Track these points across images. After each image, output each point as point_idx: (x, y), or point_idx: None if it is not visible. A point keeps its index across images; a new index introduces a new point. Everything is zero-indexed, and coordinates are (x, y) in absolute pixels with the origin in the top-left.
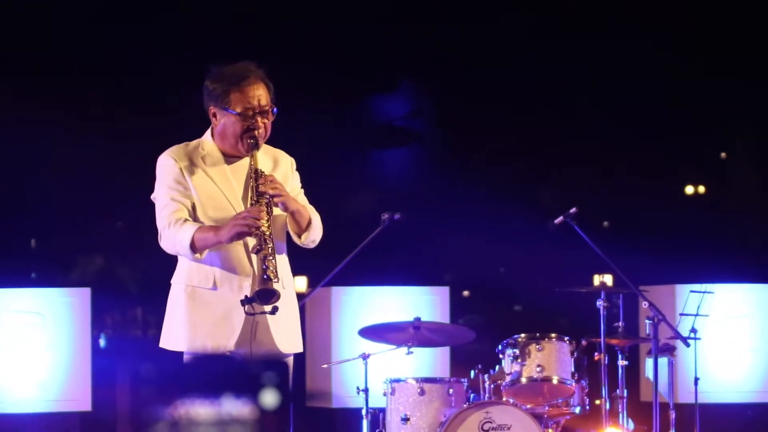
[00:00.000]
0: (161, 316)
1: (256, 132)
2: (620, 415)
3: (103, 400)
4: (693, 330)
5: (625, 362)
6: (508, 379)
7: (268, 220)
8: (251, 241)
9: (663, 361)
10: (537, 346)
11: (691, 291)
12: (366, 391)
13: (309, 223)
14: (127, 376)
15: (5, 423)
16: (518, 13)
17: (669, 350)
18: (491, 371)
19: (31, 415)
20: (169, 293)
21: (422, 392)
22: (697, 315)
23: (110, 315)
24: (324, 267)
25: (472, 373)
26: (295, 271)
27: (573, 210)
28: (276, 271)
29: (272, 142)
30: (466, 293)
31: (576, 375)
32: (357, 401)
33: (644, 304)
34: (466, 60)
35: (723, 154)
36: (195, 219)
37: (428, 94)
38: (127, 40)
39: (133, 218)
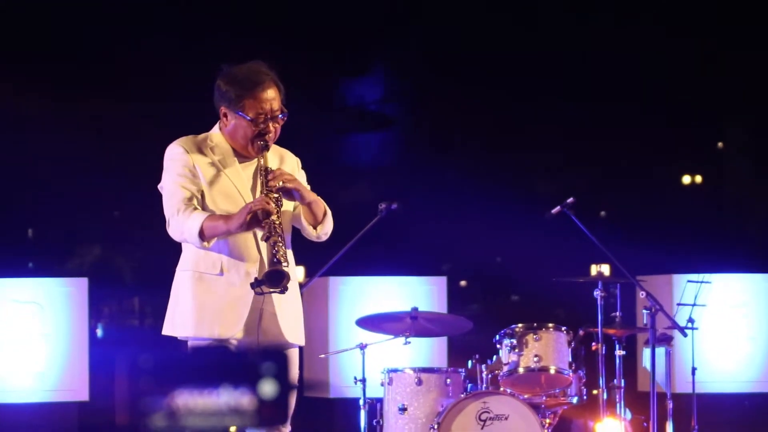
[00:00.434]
0: (158, 306)
1: (266, 136)
2: (617, 405)
3: (101, 390)
4: (690, 320)
5: (623, 352)
6: (505, 369)
7: (277, 211)
8: (260, 231)
9: (660, 351)
10: (534, 336)
11: (689, 281)
12: (363, 381)
13: (325, 213)
14: (124, 365)
15: (3, 412)
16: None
17: (666, 340)
18: (489, 361)
19: (29, 404)
20: (174, 281)
21: (419, 382)
22: (694, 305)
23: (108, 305)
24: (321, 257)
25: (470, 363)
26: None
27: (570, 200)
28: (286, 256)
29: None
30: (463, 283)
31: (573, 365)
32: (354, 391)
33: (641, 294)
34: (465, 47)
35: (720, 144)
36: (204, 208)
37: (424, 83)
38: (125, 33)
39: (130, 209)
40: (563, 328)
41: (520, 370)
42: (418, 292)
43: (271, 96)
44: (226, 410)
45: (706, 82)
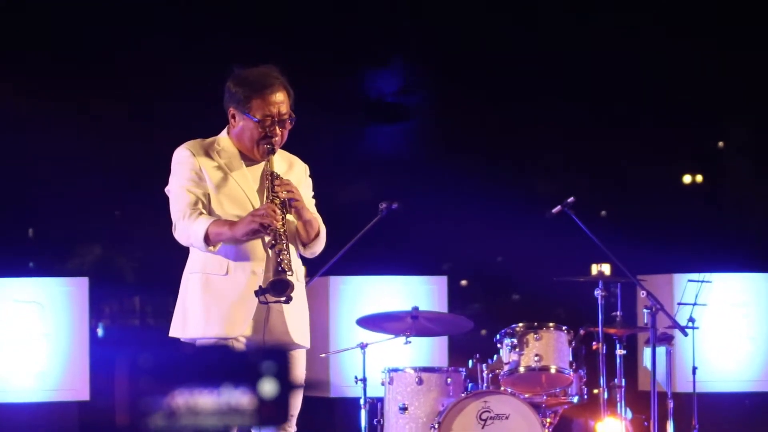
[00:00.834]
0: (160, 306)
1: (273, 140)
2: (618, 404)
3: (102, 390)
4: (691, 319)
5: (623, 351)
6: (506, 368)
7: (282, 218)
8: (266, 237)
9: (661, 350)
10: (535, 336)
11: (689, 280)
12: (364, 380)
13: (317, 235)
14: (125, 365)
15: (4, 412)
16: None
17: (667, 339)
18: (489, 361)
19: (30, 404)
20: (182, 283)
21: (420, 382)
22: (695, 304)
23: (108, 305)
24: (322, 256)
25: (470, 362)
26: None
27: (571, 199)
28: (290, 265)
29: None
30: (463, 282)
31: (574, 364)
32: (355, 391)
33: (642, 294)
34: (464, 46)
35: (720, 143)
36: (210, 212)
37: (425, 81)
38: (126, 33)
39: (131, 209)
40: (564, 328)
41: (521, 369)
42: (419, 292)
43: (280, 99)
44: (226, 410)
45: (706, 81)
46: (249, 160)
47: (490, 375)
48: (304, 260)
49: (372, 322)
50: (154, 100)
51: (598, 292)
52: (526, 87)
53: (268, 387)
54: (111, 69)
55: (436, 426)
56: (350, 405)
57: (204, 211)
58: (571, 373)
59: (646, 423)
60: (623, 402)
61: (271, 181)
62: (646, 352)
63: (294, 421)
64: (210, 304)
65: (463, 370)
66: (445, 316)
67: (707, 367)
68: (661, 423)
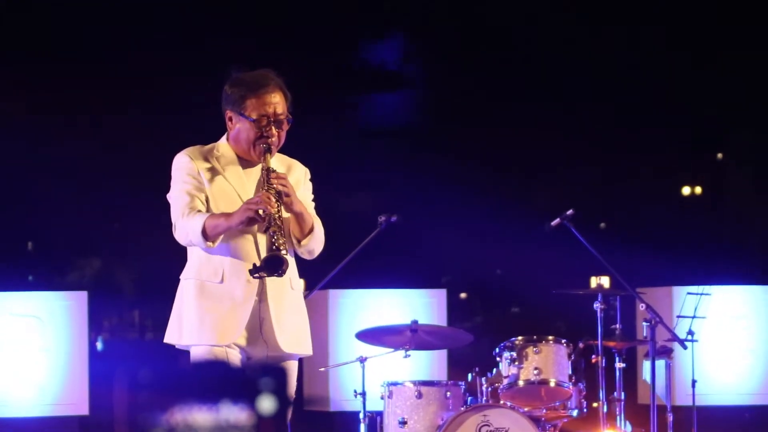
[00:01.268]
0: (159, 319)
1: (269, 140)
2: (618, 417)
3: (101, 404)
4: (690, 332)
5: (623, 365)
6: (505, 381)
7: (278, 206)
8: (262, 236)
9: (660, 363)
10: (534, 349)
11: (688, 293)
12: (363, 394)
13: (311, 230)
14: (124, 379)
15: (3, 427)
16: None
17: (666, 352)
18: (488, 374)
19: (29, 419)
20: (178, 289)
21: (420, 395)
22: (694, 317)
23: (107, 318)
24: (321, 270)
25: (470, 376)
26: None
27: (570, 212)
28: (285, 245)
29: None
30: (463, 296)
31: (573, 378)
32: (354, 405)
33: (641, 306)
34: (467, 65)
35: (719, 156)
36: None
37: (425, 96)
38: (128, 46)
39: (130, 222)
40: (563, 341)
41: (520, 382)
42: (418, 305)
43: (275, 100)
44: (223, 425)
45: (706, 93)
46: (247, 164)
47: (490, 388)
48: (304, 273)
49: (371, 336)
50: (155, 113)
51: (597, 305)
52: (526, 100)
53: (263, 404)
54: (112, 84)
55: None
56: (350, 419)
57: (202, 210)
58: (571, 386)
59: None
60: (623, 415)
61: (266, 174)
62: (646, 365)
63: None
64: (204, 311)
65: (463, 383)
66: (444, 330)
67: (707, 380)
68: None
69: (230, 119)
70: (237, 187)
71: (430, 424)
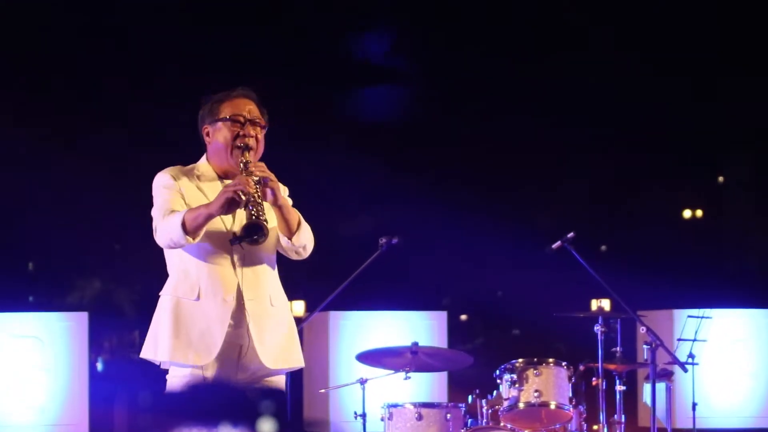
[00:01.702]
0: None
1: (246, 139)
2: None
3: (101, 425)
4: (691, 355)
5: (623, 387)
6: (505, 404)
7: (257, 189)
8: (239, 260)
9: (661, 386)
10: (535, 371)
11: (689, 316)
12: (363, 416)
13: (299, 223)
14: (124, 400)
15: None
16: (513, 30)
17: (667, 375)
18: (489, 396)
19: None
20: (157, 304)
21: (420, 417)
22: (695, 340)
23: (108, 339)
24: (322, 291)
25: (470, 398)
26: (293, 296)
27: (570, 235)
28: (264, 216)
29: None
30: (463, 318)
31: (574, 400)
32: (355, 426)
33: (642, 329)
34: (461, 82)
35: (720, 178)
36: None
37: (430, 116)
38: (126, 67)
39: (130, 243)
40: (564, 363)
41: (521, 405)
42: (419, 327)
43: (249, 106)
44: None
45: (706, 116)
46: (228, 178)
47: (490, 411)
48: (304, 294)
49: (372, 358)
50: (155, 134)
51: (597, 328)
52: (526, 124)
53: (263, 428)
54: (111, 104)
55: None
56: None
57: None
58: (571, 408)
59: None
60: None
61: (245, 166)
62: (646, 388)
63: None
64: (180, 329)
65: (463, 405)
66: (444, 352)
67: (707, 403)
68: None
69: (207, 134)
70: (212, 198)
71: None
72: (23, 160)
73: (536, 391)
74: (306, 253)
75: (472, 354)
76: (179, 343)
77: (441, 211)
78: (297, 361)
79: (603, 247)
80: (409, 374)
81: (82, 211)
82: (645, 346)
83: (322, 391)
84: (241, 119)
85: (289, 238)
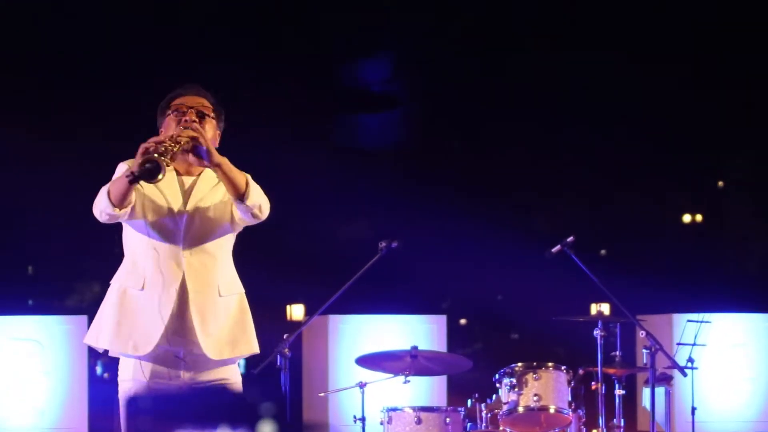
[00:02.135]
0: None
1: (190, 123)
2: None
3: (100, 428)
4: (690, 359)
5: (623, 392)
6: (505, 408)
7: (174, 144)
8: (188, 250)
9: (660, 390)
10: (534, 375)
11: (689, 320)
12: (363, 420)
13: (247, 183)
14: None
15: None
16: (513, 39)
17: (666, 380)
18: (488, 400)
19: None
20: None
21: (419, 421)
22: (694, 344)
23: None
24: (321, 295)
25: (469, 402)
26: (293, 299)
27: (570, 239)
28: (167, 159)
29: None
30: (463, 322)
31: (573, 404)
32: (354, 430)
33: (641, 334)
34: (467, 94)
35: (720, 183)
36: (133, 215)
37: (427, 125)
38: (125, 70)
39: None
40: (563, 368)
41: (520, 409)
42: (418, 331)
43: (199, 100)
44: None
45: (705, 121)
46: (184, 174)
47: (489, 415)
48: (304, 298)
49: (371, 361)
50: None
51: (597, 332)
52: (525, 128)
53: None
54: (109, 107)
55: None
56: None
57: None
58: (570, 413)
59: None
60: None
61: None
62: (645, 393)
63: None
64: (122, 319)
65: (462, 409)
66: (444, 356)
67: (706, 408)
68: None
69: (162, 129)
70: (168, 194)
71: None
72: (23, 161)
73: (535, 395)
74: (262, 214)
75: (471, 358)
76: (120, 332)
77: (441, 215)
78: (245, 349)
79: (603, 251)
80: (408, 378)
81: (81, 215)
82: (644, 351)
83: (322, 394)
84: (183, 108)
85: (240, 200)
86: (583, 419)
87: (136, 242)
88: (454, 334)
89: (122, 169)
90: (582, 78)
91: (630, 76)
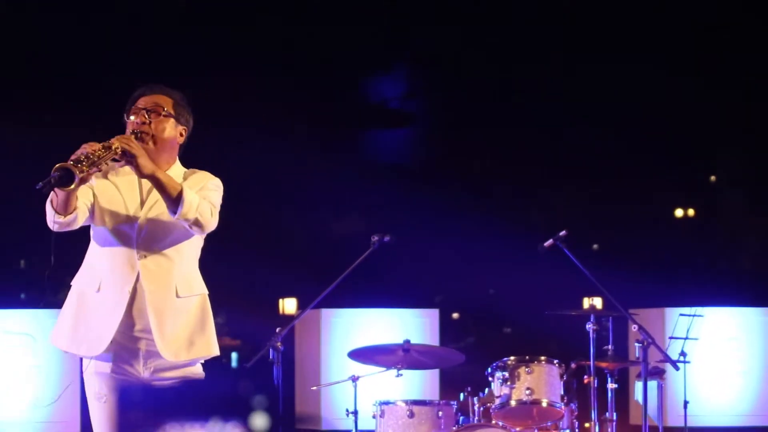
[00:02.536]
0: None
1: (138, 126)
2: None
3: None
4: (682, 353)
5: (615, 385)
6: (497, 401)
7: (103, 152)
8: (144, 257)
9: (652, 384)
10: (526, 369)
11: (681, 314)
12: (355, 413)
13: (180, 194)
14: None
15: None
16: (513, 37)
17: (658, 373)
18: (481, 394)
19: None
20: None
21: (411, 415)
22: (686, 338)
23: None
24: (314, 289)
25: (462, 395)
26: (285, 293)
27: (563, 233)
28: (83, 168)
29: (263, 166)
30: (455, 315)
31: (565, 398)
32: (346, 423)
33: (634, 327)
34: (460, 86)
35: (712, 177)
36: (93, 221)
37: (422, 116)
38: (121, 69)
39: None
40: (555, 361)
41: (512, 402)
42: (411, 325)
43: (155, 99)
44: None
45: (698, 116)
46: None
47: (482, 408)
48: (297, 292)
49: (363, 355)
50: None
51: (589, 326)
52: (519, 122)
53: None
54: (104, 103)
55: None
56: None
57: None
58: (563, 406)
59: None
60: None
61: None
62: (638, 386)
63: None
64: (79, 320)
65: (455, 403)
66: (436, 350)
67: (699, 402)
68: None
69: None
70: (124, 192)
71: None
72: (15, 156)
73: (528, 388)
74: (202, 228)
75: (463, 352)
76: (76, 334)
77: (433, 209)
78: (203, 351)
79: (595, 246)
80: (400, 372)
81: None
82: (637, 344)
83: (314, 388)
84: (136, 110)
85: (173, 213)
86: (576, 413)
87: (94, 244)
88: (446, 327)
89: None
90: (577, 76)
91: (624, 73)
